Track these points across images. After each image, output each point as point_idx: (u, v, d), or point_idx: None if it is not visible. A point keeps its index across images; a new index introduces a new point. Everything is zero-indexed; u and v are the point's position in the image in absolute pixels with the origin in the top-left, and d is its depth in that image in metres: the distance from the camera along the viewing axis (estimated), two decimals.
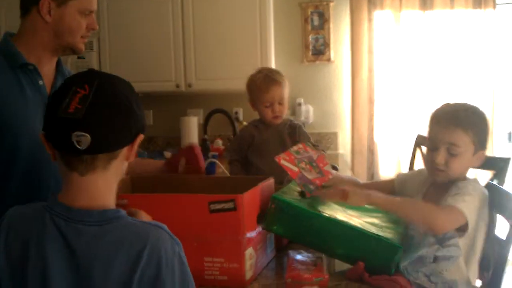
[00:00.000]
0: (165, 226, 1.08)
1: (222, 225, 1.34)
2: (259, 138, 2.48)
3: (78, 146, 1.00)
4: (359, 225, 1.46)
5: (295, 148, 1.76)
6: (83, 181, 1.04)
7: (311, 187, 1.60)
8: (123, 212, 1.07)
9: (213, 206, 1.33)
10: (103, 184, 1.06)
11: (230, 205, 1.33)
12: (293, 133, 2.48)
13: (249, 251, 1.37)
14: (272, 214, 1.47)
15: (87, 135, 0.99)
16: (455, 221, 1.49)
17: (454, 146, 1.58)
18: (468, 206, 1.50)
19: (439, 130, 1.62)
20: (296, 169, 1.62)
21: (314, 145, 2.28)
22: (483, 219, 1.61)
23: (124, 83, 1.12)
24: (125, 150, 1.08)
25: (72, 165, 1.04)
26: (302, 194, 1.58)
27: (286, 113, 2.51)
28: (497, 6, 3.83)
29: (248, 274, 1.36)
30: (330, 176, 1.73)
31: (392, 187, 1.83)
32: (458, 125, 1.59)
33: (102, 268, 0.98)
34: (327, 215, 1.47)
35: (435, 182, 1.68)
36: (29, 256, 1.00)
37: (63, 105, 1.01)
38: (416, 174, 1.84)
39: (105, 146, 1.03)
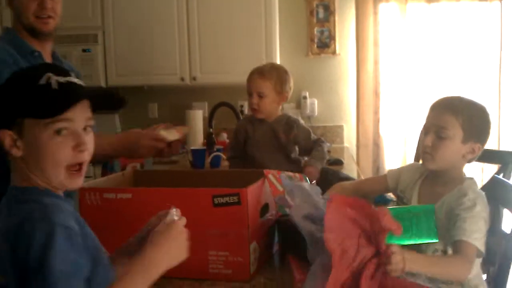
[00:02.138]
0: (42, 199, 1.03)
1: (226, 219, 1.34)
2: (252, 133, 2.44)
3: None
4: None
5: (290, 174, 1.72)
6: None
7: (286, 210, 1.54)
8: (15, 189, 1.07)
9: (217, 200, 1.33)
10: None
11: (234, 199, 1.33)
12: (289, 130, 2.41)
13: (253, 245, 1.37)
14: None
15: None
16: (472, 262, 1.48)
17: (442, 129, 1.59)
18: (481, 235, 1.49)
19: (431, 114, 1.65)
20: (281, 189, 1.58)
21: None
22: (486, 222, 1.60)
23: None
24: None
25: None
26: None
27: (268, 110, 2.41)
28: None
29: (253, 267, 1.37)
30: None
31: (385, 183, 1.82)
32: (447, 108, 1.60)
33: None
34: None
35: (426, 170, 1.67)
36: None
37: None
38: (408, 168, 1.82)
39: None
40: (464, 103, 1.63)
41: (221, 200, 1.33)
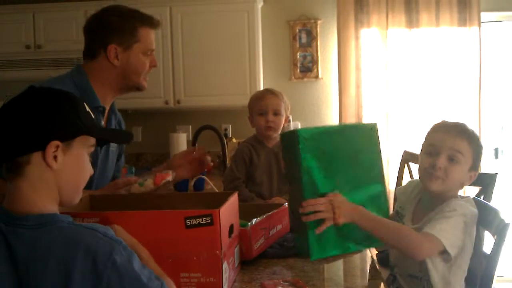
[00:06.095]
0: (101, 228, 1.07)
1: (199, 240, 1.33)
2: (256, 158, 2.41)
3: None
4: None
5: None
6: (10, 187, 1.10)
7: None
8: (62, 216, 1.09)
9: (189, 222, 1.33)
10: (29, 191, 1.08)
11: (207, 219, 1.33)
12: None
13: (225, 265, 1.37)
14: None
15: None
16: (435, 248, 1.51)
17: (457, 153, 1.59)
18: (447, 232, 1.51)
19: (445, 136, 1.63)
20: None
21: None
22: (470, 238, 1.62)
23: (39, 94, 1.12)
24: (37, 157, 1.08)
25: None
26: None
27: (280, 129, 2.41)
28: (482, 24, 3.89)
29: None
30: None
31: None
32: (464, 135, 1.62)
33: (39, 271, 1.01)
34: None
35: (428, 192, 1.67)
36: None
37: None
38: (408, 185, 1.84)
39: (3, 153, 1.08)
40: (474, 133, 1.65)
41: (194, 221, 1.33)
